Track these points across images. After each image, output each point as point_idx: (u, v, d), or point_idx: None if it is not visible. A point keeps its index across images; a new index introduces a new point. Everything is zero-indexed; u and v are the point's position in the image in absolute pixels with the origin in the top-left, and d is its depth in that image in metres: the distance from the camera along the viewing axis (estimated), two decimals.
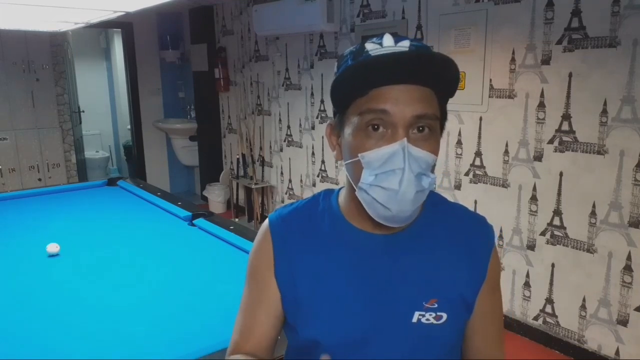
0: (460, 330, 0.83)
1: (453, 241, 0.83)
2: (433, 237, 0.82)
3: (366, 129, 0.73)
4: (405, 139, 0.70)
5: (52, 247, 2.01)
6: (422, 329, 0.78)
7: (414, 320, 0.78)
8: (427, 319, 0.78)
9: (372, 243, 0.80)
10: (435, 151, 0.74)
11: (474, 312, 0.83)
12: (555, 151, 2.64)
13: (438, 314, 0.78)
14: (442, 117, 0.77)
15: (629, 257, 2.42)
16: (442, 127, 0.78)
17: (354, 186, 0.76)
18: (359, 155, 0.73)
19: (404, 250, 0.80)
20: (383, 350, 0.78)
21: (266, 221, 0.87)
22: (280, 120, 4.61)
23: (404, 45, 0.73)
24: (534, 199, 2.77)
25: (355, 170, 0.75)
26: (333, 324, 0.78)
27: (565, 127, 2.58)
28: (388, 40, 0.74)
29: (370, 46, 0.74)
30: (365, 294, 0.79)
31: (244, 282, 0.88)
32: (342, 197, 0.85)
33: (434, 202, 0.86)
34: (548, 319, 2.80)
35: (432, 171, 0.75)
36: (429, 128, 0.73)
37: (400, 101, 0.71)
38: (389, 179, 0.71)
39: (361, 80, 0.72)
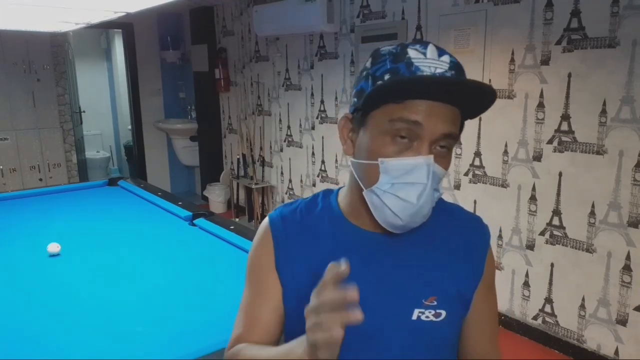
0: (458, 327, 0.85)
1: (450, 240, 0.85)
2: (431, 235, 0.84)
3: (393, 135, 0.73)
4: (432, 155, 0.72)
5: (53, 247, 2.01)
6: (422, 326, 0.79)
7: (414, 317, 0.79)
8: (427, 316, 0.79)
9: (371, 242, 0.81)
10: (448, 168, 0.76)
11: (471, 310, 0.85)
12: (555, 151, 2.64)
13: (437, 311, 0.80)
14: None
15: (628, 257, 2.43)
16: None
17: (362, 186, 0.77)
18: (380, 159, 0.73)
19: (403, 249, 0.82)
20: (383, 347, 0.79)
21: (266, 220, 0.87)
22: (280, 120, 4.61)
23: (445, 60, 0.74)
24: (533, 199, 2.78)
25: (369, 172, 0.75)
26: None
27: (564, 127, 2.59)
28: (432, 52, 0.74)
29: (413, 53, 0.74)
30: (364, 291, 0.79)
31: (244, 281, 0.89)
32: (342, 196, 0.86)
33: None
34: (547, 319, 2.80)
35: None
36: (449, 148, 0.75)
37: (432, 116, 0.71)
38: (408, 191, 0.72)
39: (404, 91, 0.72)
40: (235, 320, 0.88)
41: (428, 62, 0.73)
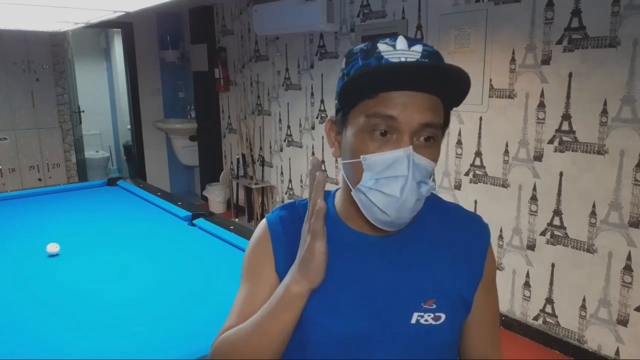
0: (458, 330, 0.84)
1: (450, 241, 0.83)
2: (429, 237, 0.82)
3: (371, 131, 0.72)
4: (411, 146, 0.70)
5: (52, 247, 2.01)
6: (421, 330, 0.78)
7: (413, 321, 0.78)
8: (426, 320, 0.78)
9: (368, 245, 0.80)
10: (436, 159, 0.74)
11: (471, 311, 0.83)
12: (555, 151, 2.64)
13: (437, 314, 0.78)
14: (445, 125, 0.77)
15: (629, 257, 2.42)
16: (443, 134, 0.79)
17: (351, 187, 0.76)
18: (361, 157, 0.73)
19: (401, 251, 0.80)
20: (381, 352, 0.78)
21: (264, 221, 0.86)
22: (280, 120, 4.61)
23: (417, 50, 0.73)
24: (534, 199, 2.77)
25: (355, 171, 0.75)
26: (331, 324, 0.78)
27: (565, 127, 2.58)
28: (401, 43, 0.73)
29: (382, 47, 0.73)
30: (363, 295, 0.79)
31: (240, 279, 0.87)
32: (338, 199, 0.85)
33: (430, 202, 0.85)
34: (548, 319, 2.80)
35: (431, 178, 0.75)
36: (433, 137, 0.73)
37: (408, 108, 0.70)
38: (391, 185, 0.71)
39: (373, 84, 0.72)
40: (228, 315, 0.86)
41: (398, 53, 0.72)
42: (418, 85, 0.71)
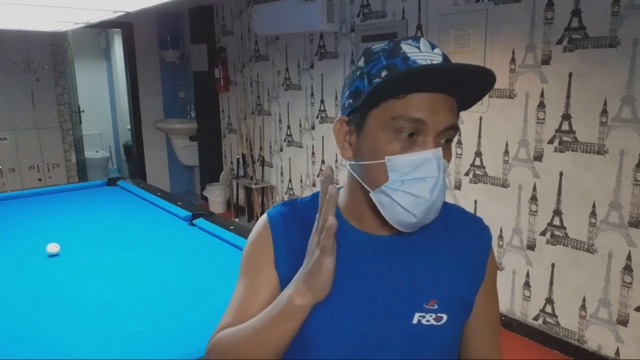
0: (459, 332, 0.84)
1: (451, 242, 0.83)
2: (432, 238, 0.82)
3: (397, 133, 0.72)
4: (440, 148, 0.71)
5: (52, 247, 2.01)
6: (423, 330, 0.78)
7: (414, 321, 0.78)
8: (428, 320, 0.78)
9: (371, 244, 0.80)
10: (450, 159, 0.76)
11: (472, 313, 0.83)
12: (555, 151, 2.64)
13: (438, 315, 0.78)
14: None
15: (629, 257, 2.42)
16: None
17: (367, 188, 0.75)
18: (386, 158, 0.72)
19: (403, 252, 0.80)
20: (382, 352, 0.78)
21: (264, 217, 0.85)
22: (280, 120, 4.61)
23: (438, 52, 0.73)
24: (534, 199, 2.77)
25: (375, 173, 0.74)
26: (333, 324, 0.78)
27: (565, 127, 2.58)
28: (425, 45, 0.73)
29: (407, 48, 0.73)
30: (364, 295, 0.79)
31: (238, 276, 0.86)
32: (341, 198, 0.84)
33: None
34: (548, 319, 2.80)
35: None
36: (451, 139, 0.75)
37: (435, 110, 0.71)
38: (420, 186, 0.71)
39: (405, 86, 0.71)
40: (225, 311, 0.84)
41: (424, 55, 0.72)
42: (444, 87, 0.71)
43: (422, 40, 0.74)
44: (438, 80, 0.71)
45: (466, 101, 0.76)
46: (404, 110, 0.71)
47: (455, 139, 3.08)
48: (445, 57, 0.74)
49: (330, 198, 0.67)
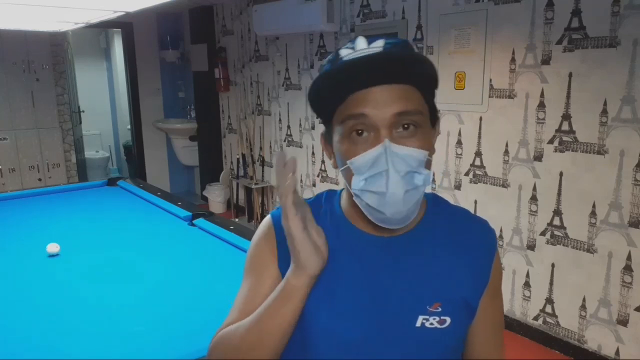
0: (462, 335, 0.83)
1: (455, 244, 0.82)
2: (435, 239, 0.81)
3: (350, 135, 0.73)
4: (386, 139, 0.70)
5: (52, 247, 2.01)
6: (426, 334, 0.77)
7: (418, 324, 0.77)
8: (431, 323, 0.77)
9: (374, 245, 0.80)
10: (424, 146, 0.73)
11: (476, 316, 0.82)
12: (555, 151, 2.64)
13: (442, 318, 0.77)
14: (432, 112, 0.77)
15: (629, 257, 2.42)
16: (434, 122, 0.78)
17: (351, 192, 0.77)
18: (348, 162, 0.73)
19: (406, 253, 0.80)
20: (385, 354, 0.77)
21: (268, 217, 0.85)
22: (280, 120, 4.61)
23: (378, 45, 0.73)
24: (534, 199, 2.77)
25: (348, 177, 0.75)
26: (335, 325, 0.77)
27: (565, 127, 2.58)
28: (361, 43, 0.74)
29: (344, 52, 0.74)
30: (367, 296, 0.78)
31: (242, 277, 0.86)
32: (344, 199, 0.84)
33: (436, 205, 0.85)
34: (548, 319, 2.80)
35: (429, 167, 0.74)
36: (414, 124, 0.72)
37: (378, 103, 0.71)
38: (377, 182, 0.71)
39: (336, 87, 0.72)
40: (230, 310, 0.85)
41: (357, 53, 0.72)
42: (381, 78, 0.71)
43: (358, 38, 0.74)
44: (368, 75, 0.71)
45: (427, 85, 0.75)
46: (347, 110, 0.72)
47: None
48: (391, 46, 0.73)
49: (290, 163, 0.67)
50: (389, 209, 0.71)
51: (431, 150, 0.76)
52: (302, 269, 0.72)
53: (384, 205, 0.71)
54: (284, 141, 4.60)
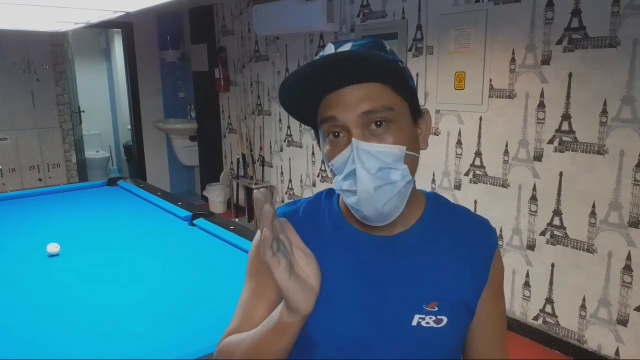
0: (461, 334, 0.83)
1: (455, 243, 0.82)
2: (434, 238, 0.81)
3: (328, 137, 0.75)
4: (353, 139, 0.71)
5: (52, 247, 2.01)
6: (422, 333, 0.77)
7: (414, 323, 0.77)
8: (427, 322, 0.77)
9: (372, 244, 0.80)
10: (400, 141, 0.73)
11: (477, 316, 0.82)
12: (555, 151, 2.64)
13: (438, 317, 0.77)
14: (413, 105, 0.77)
15: (628, 257, 2.42)
16: (415, 117, 0.78)
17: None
18: (329, 164, 0.76)
19: (404, 252, 0.80)
20: (382, 353, 0.77)
21: None
22: (280, 120, 4.61)
23: (345, 48, 0.74)
24: (533, 199, 2.77)
25: (333, 178, 0.78)
26: (332, 324, 0.78)
27: (565, 127, 2.58)
28: (329, 48, 0.76)
29: (315, 57, 0.75)
30: (364, 295, 0.78)
31: (245, 279, 0.87)
32: (342, 199, 0.85)
33: (436, 204, 0.85)
34: (548, 319, 2.80)
35: (412, 163, 0.75)
36: (386, 120, 0.73)
37: (345, 103, 0.72)
38: (350, 181, 0.73)
39: (307, 91, 0.74)
40: (233, 315, 0.86)
41: (324, 58, 0.74)
42: (346, 80, 0.72)
43: (328, 45, 0.77)
44: (332, 77, 0.72)
45: (395, 80, 0.75)
46: (321, 114, 0.75)
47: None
48: (358, 47, 0.74)
49: (264, 215, 0.65)
50: (364, 206, 0.73)
51: (413, 145, 0.76)
52: (292, 310, 0.71)
53: (358, 202, 0.73)
54: (284, 141, 4.60)
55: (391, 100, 0.74)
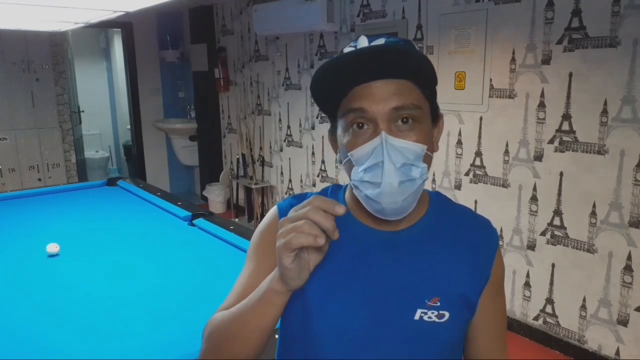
0: (462, 330, 0.84)
1: (457, 241, 0.83)
2: (437, 236, 0.83)
3: (349, 128, 0.75)
4: (383, 132, 0.72)
5: (52, 247, 2.01)
6: (424, 327, 0.78)
7: (416, 317, 0.78)
8: (429, 317, 0.78)
9: (376, 239, 0.81)
10: (422, 140, 0.75)
11: (477, 314, 0.83)
12: (556, 151, 2.63)
13: (440, 312, 0.79)
14: (433, 107, 0.80)
15: (629, 257, 2.42)
16: (435, 117, 0.81)
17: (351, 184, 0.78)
18: (348, 154, 0.76)
19: (407, 248, 0.81)
20: (384, 346, 0.78)
21: (274, 208, 0.87)
22: (280, 120, 4.61)
23: (379, 42, 0.75)
24: (534, 199, 2.77)
25: (348, 169, 0.78)
26: (334, 317, 0.78)
27: (565, 127, 2.58)
28: (362, 41, 0.76)
29: (347, 50, 0.76)
30: (368, 289, 0.79)
31: (245, 262, 0.88)
32: (348, 193, 0.86)
33: (439, 202, 0.87)
34: (548, 319, 2.80)
35: (428, 162, 0.76)
36: (413, 118, 0.75)
37: (376, 97, 0.73)
38: (374, 173, 0.73)
39: (336, 82, 0.75)
40: (229, 293, 0.87)
41: (358, 50, 0.75)
42: (379, 73, 0.73)
43: (361, 37, 0.77)
44: (365, 70, 0.73)
45: (426, 80, 0.77)
46: (347, 104, 0.75)
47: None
48: (391, 44, 0.74)
49: (337, 209, 0.68)
50: (385, 199, 0.73)
51: (430, 145, 0.78)
52: (284, 282, 0.73)
53: (380, 195, 0.73)
54: (284, 141, 4.60)
55: (419, 99, 0.76)
